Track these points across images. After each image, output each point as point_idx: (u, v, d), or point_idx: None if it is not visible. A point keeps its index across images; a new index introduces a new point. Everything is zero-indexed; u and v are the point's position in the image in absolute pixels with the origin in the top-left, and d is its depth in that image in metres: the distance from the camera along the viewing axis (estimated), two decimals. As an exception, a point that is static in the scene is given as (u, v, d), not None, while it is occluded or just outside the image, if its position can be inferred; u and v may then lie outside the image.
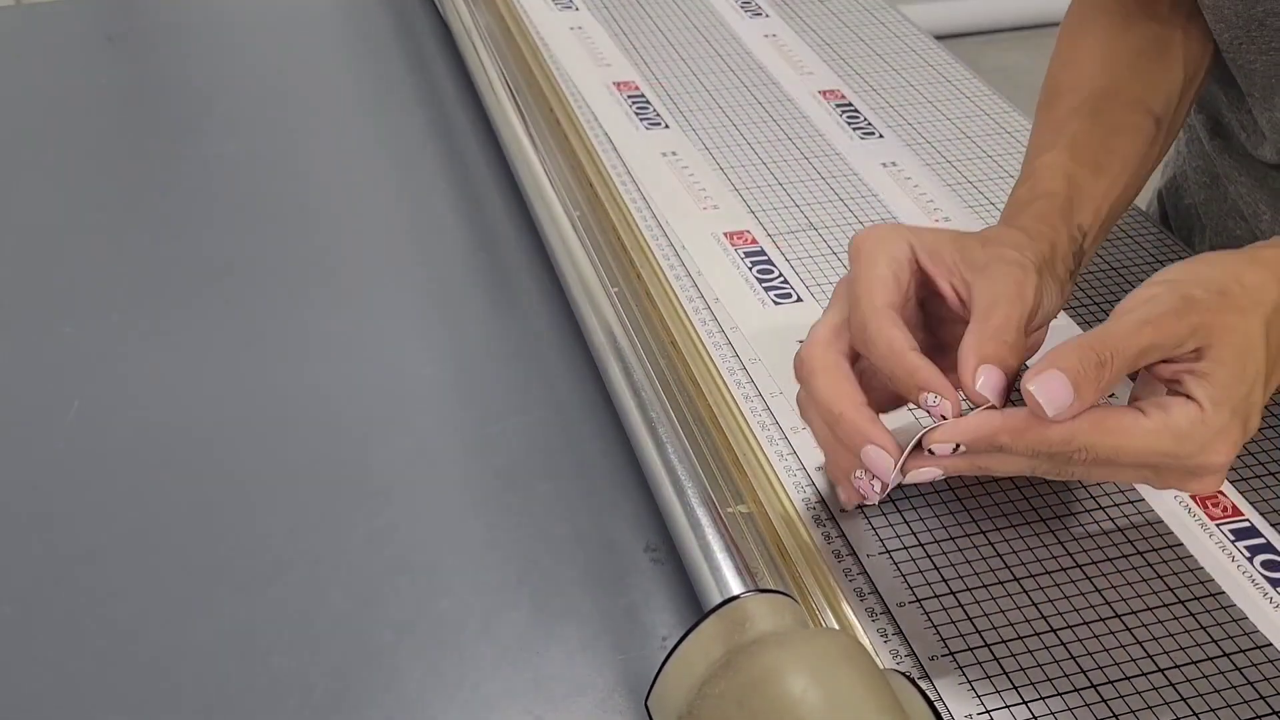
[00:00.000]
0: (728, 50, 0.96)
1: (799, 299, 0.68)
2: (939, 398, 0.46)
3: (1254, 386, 0.46)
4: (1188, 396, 0.45)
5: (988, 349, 0.47)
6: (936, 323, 0.53)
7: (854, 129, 0.85)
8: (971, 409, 0.47)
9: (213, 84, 0.94)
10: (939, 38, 1.00)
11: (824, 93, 0.90)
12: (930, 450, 0.46)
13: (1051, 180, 0.57)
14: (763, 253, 0.72)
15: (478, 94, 0.85)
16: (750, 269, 0.70)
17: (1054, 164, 0.58)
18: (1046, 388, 0.44)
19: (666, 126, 0.85)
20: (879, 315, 0.48)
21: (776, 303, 0.68)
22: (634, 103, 0.87)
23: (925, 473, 0.47)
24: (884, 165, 0.81)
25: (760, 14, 1.02)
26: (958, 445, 0.46)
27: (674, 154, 0.81)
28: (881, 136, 0.85)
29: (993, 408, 0.46)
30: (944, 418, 0.46)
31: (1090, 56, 0.64)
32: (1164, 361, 0.46)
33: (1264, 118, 0.66)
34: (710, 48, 0.96)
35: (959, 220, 0.75)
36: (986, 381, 0.46)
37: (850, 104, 0.88)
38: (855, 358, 0.51)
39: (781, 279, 0.70)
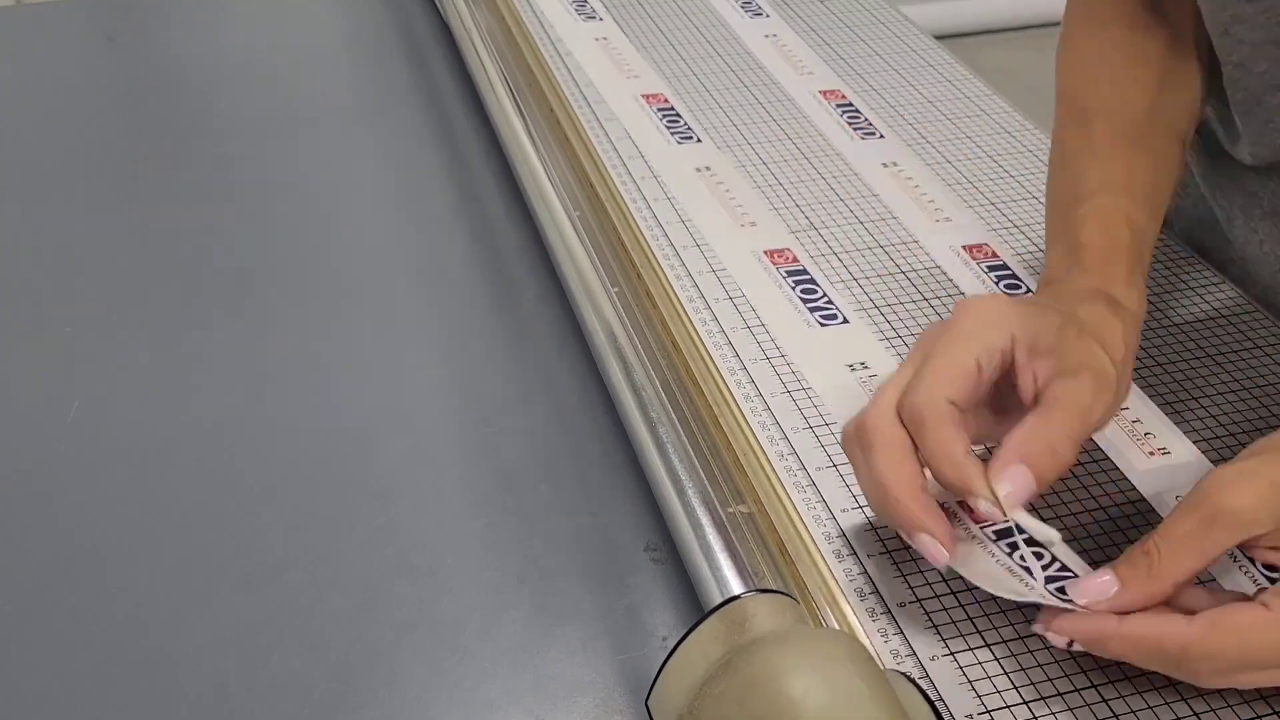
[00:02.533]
0: (728, 50, 0.96)
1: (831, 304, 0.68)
2: (991, 505, 0.46)
3: None
4: None
5: (1032, 447, 0.46)
6: (1005, 392, 0.50)
7: (854, 129, 0.85)
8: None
9: (213, 84, 0.94)
10: (939, 38, 1.00)
11: (824, 93, 0.90)
12: (1039, 631, 0.46)
13: (1118, 227, 0.56)
14: (804, 272, 0.72)
15: (478, 94, 0.85)
16: (790, 286, 0.70)
17: (1117, 207, 0.57)
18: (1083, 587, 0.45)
19: (669, 127, 0.85)
20: (937, 412, 0.46)
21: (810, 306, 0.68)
22: (644, 106, 0.87)
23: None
24: (884, 165, 0.81)
25: (760, 14, 1.02)
26: (1071, 641, 0.45)
27: (680, 144, 0.82)
28: (882, 136, 0.85)
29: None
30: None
31: (1116, 73, 0.62)
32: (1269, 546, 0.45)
33: (1240, 121, 0.65)
34: (710, 48, 0.96)
35: (959, 219, 0.75)
36: (1014, 488, 0.46)
37: (850, 104, 0.88)
38: None
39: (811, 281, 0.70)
